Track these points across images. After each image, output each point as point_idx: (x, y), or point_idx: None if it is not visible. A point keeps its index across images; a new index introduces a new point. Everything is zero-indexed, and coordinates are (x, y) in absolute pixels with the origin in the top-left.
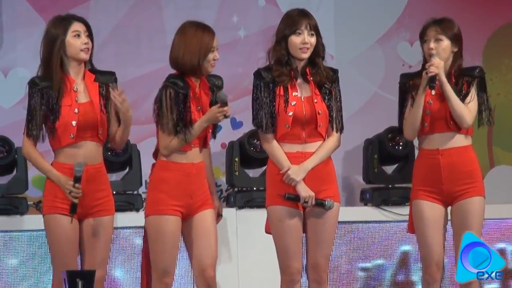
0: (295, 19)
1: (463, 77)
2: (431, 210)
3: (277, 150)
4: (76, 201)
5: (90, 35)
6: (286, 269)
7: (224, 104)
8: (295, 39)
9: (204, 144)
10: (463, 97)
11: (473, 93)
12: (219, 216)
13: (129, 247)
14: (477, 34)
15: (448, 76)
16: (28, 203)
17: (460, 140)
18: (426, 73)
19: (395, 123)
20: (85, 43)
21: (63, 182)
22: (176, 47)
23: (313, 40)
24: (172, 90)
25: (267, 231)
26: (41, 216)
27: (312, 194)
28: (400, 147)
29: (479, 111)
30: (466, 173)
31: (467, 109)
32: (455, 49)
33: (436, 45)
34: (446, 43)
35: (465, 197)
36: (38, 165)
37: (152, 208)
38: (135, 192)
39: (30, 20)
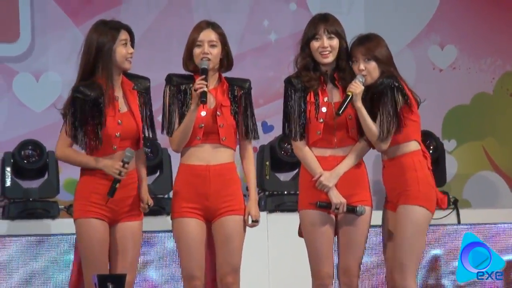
0: (313, 25)
1: (372, 94)
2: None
3: (309, 156)
4: (117, 183)
5: (132, 43)
6: (317, 273)
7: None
8: (314, 44)
9: (227, 142)
10: (374, 116)
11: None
12: (254, 221)
13: (161, 251)
14: (509, 39)
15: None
16: (60, 206)
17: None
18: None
19: (425, 126)
20: (130, 53)
21: (111, 163)
22: None
23: (334, 43)
24: (168, 86)
25: (301, 234)
26: (72, 220)
27: (344, 201)
28: (431, 151)
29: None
30: (399, 183)
31: (376, 133)
32: (383, 68)
33: (366, 65)
34: (374, 63)
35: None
36: (78, 159)
37: (172, 212)
38: (166, 196)
39: (61, 24)
